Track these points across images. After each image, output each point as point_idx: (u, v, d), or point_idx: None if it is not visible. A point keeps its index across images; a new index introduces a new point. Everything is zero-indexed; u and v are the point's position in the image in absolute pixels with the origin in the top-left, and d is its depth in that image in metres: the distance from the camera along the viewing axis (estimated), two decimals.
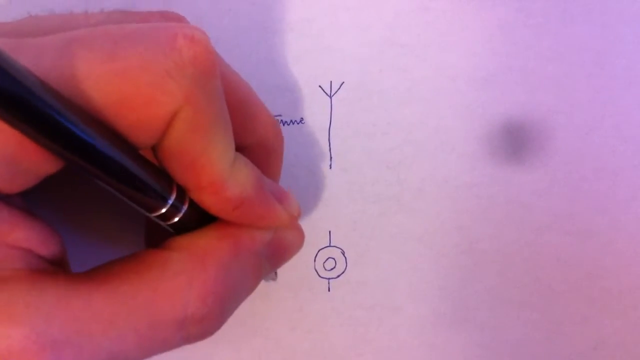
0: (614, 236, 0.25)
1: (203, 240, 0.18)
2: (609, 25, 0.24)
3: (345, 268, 0.25)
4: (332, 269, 0.25)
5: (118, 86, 0.14)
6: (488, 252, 0.25)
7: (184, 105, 0.15)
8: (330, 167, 0.25)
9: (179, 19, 0.19)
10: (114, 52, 0.14)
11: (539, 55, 0.24)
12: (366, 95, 0.24)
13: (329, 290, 0.25)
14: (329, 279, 0.25)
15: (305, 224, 0.24)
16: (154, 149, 0.16)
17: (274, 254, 0.20)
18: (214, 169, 0.16)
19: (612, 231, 0.25)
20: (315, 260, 0.25)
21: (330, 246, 0.25)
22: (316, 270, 0.25)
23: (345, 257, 0.25)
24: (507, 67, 0.24)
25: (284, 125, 0.24)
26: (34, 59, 0.14)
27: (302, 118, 0.24)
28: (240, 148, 0.19)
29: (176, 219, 0.17)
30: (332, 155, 0.25)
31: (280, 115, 0.24)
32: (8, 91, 0.12)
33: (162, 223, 0.17)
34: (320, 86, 0.24)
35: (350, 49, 0.24)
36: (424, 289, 0.25)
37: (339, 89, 0.24)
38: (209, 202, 0.17)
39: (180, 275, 0.16)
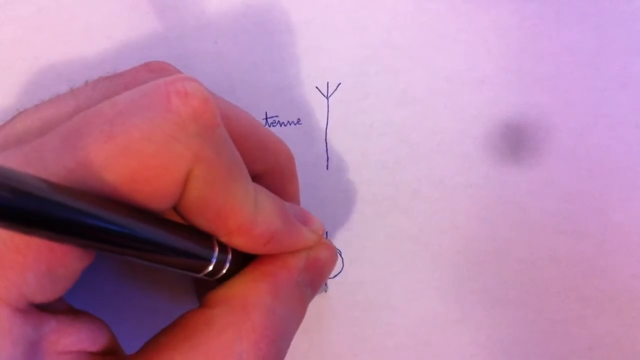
0: (609, 236, 0.25)
1: (240, 288, 0.17)
2: (603, 27, 0.25)
3: (342, 268, 0.25)
4: None
5: (124, 164, 0.14)
6: (483, 251, 0.25)
7: (195, 163, 0.15)
8: (327, 168, 0.25)
9: (165, 69, 0.19)
10: (111, 132, 0.14)
11: (534, 57, 0.25)
12: (362, 96, 0.24)
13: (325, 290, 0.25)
14: None
15: None
16: (175, 207, 0.16)
17: (312, 277, 0.20)
18: (239, 213, 0.16)
19: (606, 231, 0.25)
20: None
21: None
22: None
23: (342, 257, 0.25)
24: (502, 68, 0.25)
25: (280, 126, 0.24)
26: (37, 163, 0.14)
27: (299, 119, 0.24)
28: (254, 177, 0.18)
29: (224, 271, 0.17)
30: (329, 156, 0.25)
31: (277, 116, 0.24)
32: (24, 207, 0.11)
33: (208, 278, 0.17)
34: (317, 87, 0.24)
35: (346, 51, 0.24)
36: (420, 289, 0.25)
37: (335, 90, 0.24)
38: (239, 243, 0.17)
39: (226, 330, 0.16)
